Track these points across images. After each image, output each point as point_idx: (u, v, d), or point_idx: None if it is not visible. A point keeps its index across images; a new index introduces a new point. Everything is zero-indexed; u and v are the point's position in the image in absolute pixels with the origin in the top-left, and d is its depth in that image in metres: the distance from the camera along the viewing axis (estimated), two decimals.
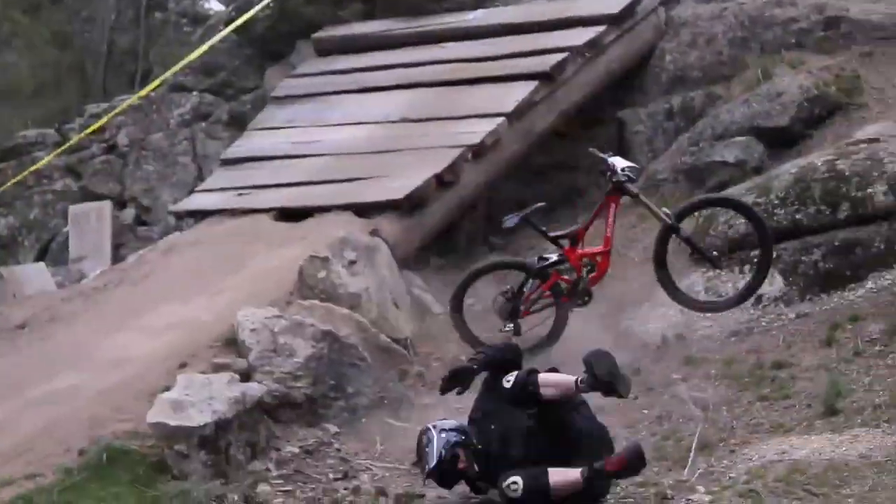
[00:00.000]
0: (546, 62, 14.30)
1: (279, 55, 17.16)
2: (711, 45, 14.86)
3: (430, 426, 8.21)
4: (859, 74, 13.61)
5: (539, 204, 11.13)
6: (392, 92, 14.99)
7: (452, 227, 13.32)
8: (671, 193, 13.39)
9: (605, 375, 7.65)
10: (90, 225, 16.89)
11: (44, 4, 23.54)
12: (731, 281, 11.15)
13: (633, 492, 8.01)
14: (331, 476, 8.86)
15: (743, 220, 11.11)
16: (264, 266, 11.76)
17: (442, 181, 12.85)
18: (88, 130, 16.97)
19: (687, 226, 10.75)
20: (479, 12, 16.08)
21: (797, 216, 11.27)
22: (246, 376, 9.51)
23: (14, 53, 23.74)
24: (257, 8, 15.95)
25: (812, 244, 11.10)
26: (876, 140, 11.69)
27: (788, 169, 11.80)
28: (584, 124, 14.86)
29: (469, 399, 8.49)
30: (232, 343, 10.00)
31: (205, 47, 15.55)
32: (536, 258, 10.95)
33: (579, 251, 10.78)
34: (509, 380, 7.77)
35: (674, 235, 10.56)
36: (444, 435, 8.08)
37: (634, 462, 7.60)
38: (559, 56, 14.36)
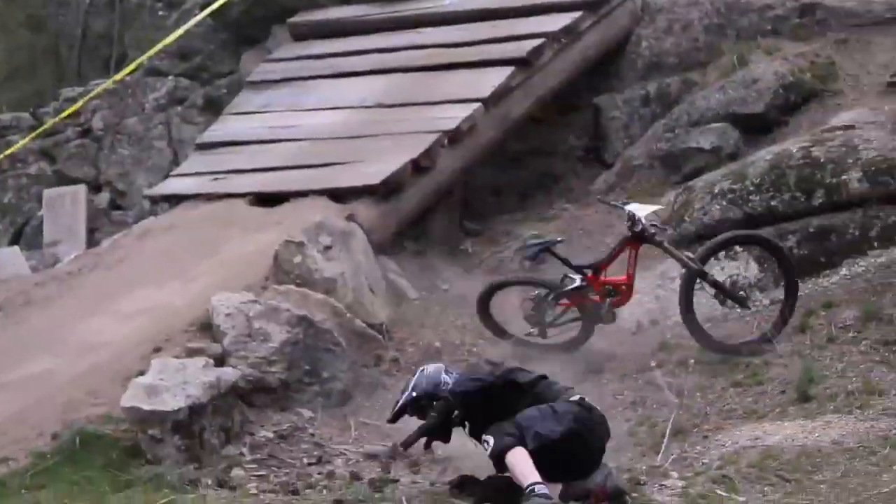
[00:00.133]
0: (522, 48, 14.26)
1: (255, 40, 17.07)
2: (687, 31, 14.85)
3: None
4: (834, 61, 13.64)
5: (559, 239, 10.94)
6: (368, 77, 14.93)
7: (428, 212, 13.27)
8: (647, 179, 13.43)
9: None
10: (65, 209, 16.81)
11: None
12: (706, 267, 11.15)
13: None
14: (305, 461, 8.87)
15: (719, 208, 11.17)
16: (239, 251, 11.73)
17: (418, 167, 12.82)
18: (63, 114, 16.89)
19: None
20: None
21: (772, 203, 11.32)
22: (220, 361, 9.51)
23: None
24: None
25: (787, 231, 11.15)
26: (851, 127, 11.73)
27: (764, 156, 11.83)
28: (561, 110, 14.87)
29: None
30: (207, 328, 9.99)
31: (180, 31, 15.50)
32: (561, 279, 10.66)
33: (602, 279, 10.52)
34: (488, 442, 7.58)
35: (699, 280, 10.17)
36: (426, 376, 8.14)
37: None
38: (535, 42, 14.30)
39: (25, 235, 17.43)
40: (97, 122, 17.77)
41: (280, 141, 14.11)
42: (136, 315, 10.78)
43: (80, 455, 8.46)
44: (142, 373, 9.04)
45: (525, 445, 7.35)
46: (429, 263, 12.40)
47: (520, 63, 14.12)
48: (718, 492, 7.63)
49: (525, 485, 7.24)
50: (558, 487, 7.52)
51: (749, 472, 7.88)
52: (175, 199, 13.82)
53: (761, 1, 14.62)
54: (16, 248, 15.96)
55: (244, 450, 8.92)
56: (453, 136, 13.24)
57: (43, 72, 22.14)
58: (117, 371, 9.50)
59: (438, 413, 7.89)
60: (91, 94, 16.97)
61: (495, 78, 13.92)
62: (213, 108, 16.69)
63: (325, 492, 8.18)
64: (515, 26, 14.84)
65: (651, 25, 15.12)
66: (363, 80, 14.86)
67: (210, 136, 14.86)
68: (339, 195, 12.52)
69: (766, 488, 7.67)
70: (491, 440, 7.44)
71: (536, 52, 14.23)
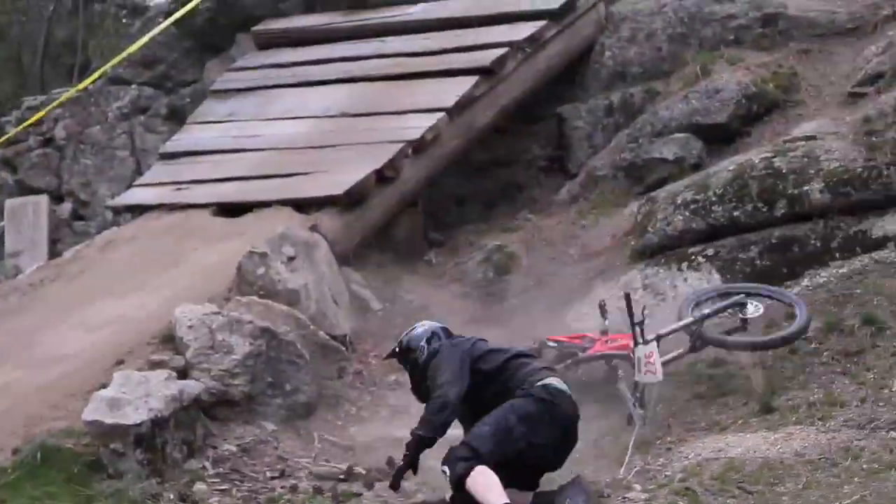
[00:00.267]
0: (486, 57, 14.28)
1: (219, 48, 17.05)
2: (651, 40, 14.90)
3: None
4: (796, 71, 13.69)
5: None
6: (333, 86, 14.93)
7: (392, 222, 13.28)
8: (610, 189, 13.44)
9: None
10: (27, 219, 16.76)
11: None
12: (669, 278, 11.21)
13: None
14: (268, 474, 8.83)
15: (682, 218, 11.23)
16: (203, 262, 11.70)
17: (382, 176, 12.81)
18: (25, 123, 16.84)
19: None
20: (420, 7, 16.01)
21: (735, 213, 11.35)
22: (183, 373, 9.46)
23: None
24: (197, 0, 15.84)
25: (749, 241, 11.19)
26: (813, 137, 11.78)
27: (726, 166, 11.87)
28: (525, 120, 14.88)
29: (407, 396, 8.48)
30: (169, 340, 9.93)
31: (144, 40, 15.46)
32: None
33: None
34: (445, 472, 7.49)
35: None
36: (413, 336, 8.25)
37: None
38: (499, 51, 14.33)
39: None
40: (60, 132, 17.71)
41: (244, 150, 14.09)
42: (99, 327, 10.72)
43: (41, 470, 8.39)
44: (104, 386, 8.98)
45: (483, 460, 7.30)
46: (392, 274, 12.38)
47: (484, 72, 14.14)
48: None
49: None
50: (528, 496, 7.53)
51: (712, 484, 7.89)
52: (138, 210, 13.79)
53: (724, 11, 14.67)
54: None
55: (207, 464, 8.87)
56: (417, 146, 13.24)
57: (5, 80, 22.07)
58: (79, 384, 9.43)
59: (411, 450, 7.75)
60: (54, 104, 16.91)
61: (459, 87, 13.94)
62: (177, 117, 16.67)
63: None
64: (479, 35, 14.87)
65: (615, 35, 15.15)
66: (327, 90, 14.87)
67: (173, 146, 14.83)
68: (302, 205, 12.51)
69: (728, 500, 7.68)
70: (447, 469, 7.34)
71: (500, 61, 14.25)
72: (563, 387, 7.79)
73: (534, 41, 14.66)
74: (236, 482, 8.66)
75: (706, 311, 9.78)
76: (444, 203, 14.26)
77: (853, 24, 14.16)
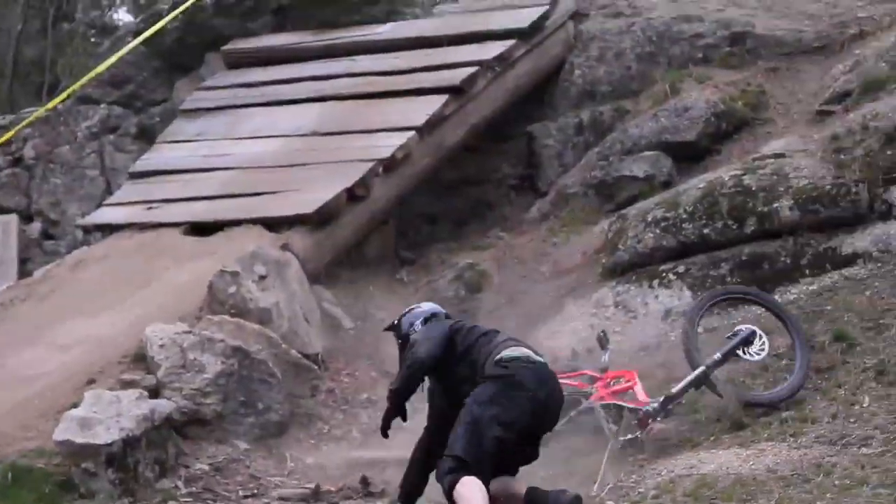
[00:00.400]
0: (456, 76, 14.31)
1: (188, 67, 17.00)
2: (620, 59, 14.96)
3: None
4: (765, 89, 13.77)
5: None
6: (303, 105, 14.93)
7: (363, 241, 13.29)
8: (581, 208, 13.46)
9: None
10: None
11: None
12: (640, 295, 11.25)
13: None
14: (240, 493, 8.83)
15: (652, 236, 11.26)
16: (174, 281, 11.68)
17: (353, 195, 12.82)
18: None
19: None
20: (390, 26, 16.05)
21: (705, 231, 11.39)
22: (155, 393, 9.46)
23: None
24: (166, 19, 15.81)
25: (720, 258, 11.22)
26: (782, 155, 11.83)
27: (696, 184, 11.92)
28: (495, 138, 14.91)
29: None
30: (141, 359, 9.92)
31: (114, 59, 15.38)
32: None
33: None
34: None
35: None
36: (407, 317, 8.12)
37: None
38: (469, 70, 14.36)
39: None
40: (29, 151, 17.61)
41: (214, 170, 14.06)
42: (70, 347, 10.69)
43: (12, 490, 8.37)
44: (75, 405, 8.97)
45: (468, 466, 7.27)
46: (364, 292, 12.38)
47: (453, 91, 14.17)
48: None
49: None
50: (523, 485, 7.49)
51: (684, 500, 7.89)
52: (108, 229, 13.75)
53: (692, 30, 14.76)
54: None
55: (179, 483, 8.88)
56: (388, 165, 13.26)
57: None
58: (50, 404, 9.42)
59: (390, 403, 7.71)
60: (23, 123, 16.80)
61: (429, 106, 13.96)
62: (147, 136, 16.61)
63: None
64: (449, 55, 14.91)
65: (584, 54, 15.21)
66: (298, 109, 14.86)
67: (143, 165, 14.79)
68: (273, 224, 12.50)
69: None
70: (440, 484, 7.29)
71: (470, 80, 14.28)
72: (517, 353, 7.58)
73: (503, 60, 14.70)
74: (209, 501, 8.66)
75: (717, 356, 9.37)
76: (415, 221, 14.27)
77: (820, 43, 14.25)
